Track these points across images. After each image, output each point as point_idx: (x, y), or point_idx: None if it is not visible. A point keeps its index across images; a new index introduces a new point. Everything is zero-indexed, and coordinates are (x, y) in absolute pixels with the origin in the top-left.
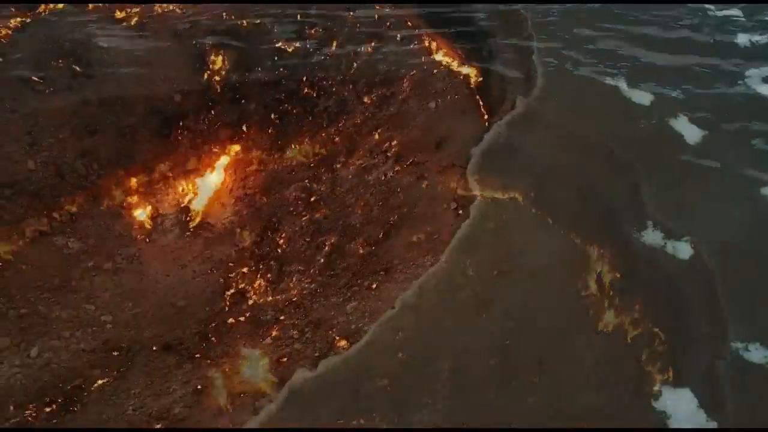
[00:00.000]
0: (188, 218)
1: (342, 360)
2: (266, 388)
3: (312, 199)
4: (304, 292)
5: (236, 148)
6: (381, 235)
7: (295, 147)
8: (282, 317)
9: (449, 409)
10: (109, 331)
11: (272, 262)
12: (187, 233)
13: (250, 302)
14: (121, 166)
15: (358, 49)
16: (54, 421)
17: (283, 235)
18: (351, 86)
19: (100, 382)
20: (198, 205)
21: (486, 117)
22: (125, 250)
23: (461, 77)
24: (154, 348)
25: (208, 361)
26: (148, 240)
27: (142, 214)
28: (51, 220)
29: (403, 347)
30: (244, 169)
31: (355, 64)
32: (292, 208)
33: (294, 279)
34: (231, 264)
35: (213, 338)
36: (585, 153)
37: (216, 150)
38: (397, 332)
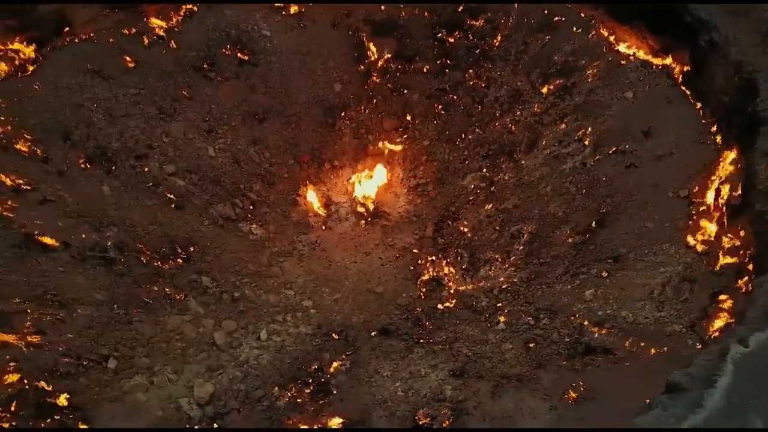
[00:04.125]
0: (362, 207)
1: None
2: (523, 371)
3: (493, 188)
4: (514, 279)
5: (402, 137)
6: (593, 224)
7: (466, 136)
8: (499, 304)
9: None
10: (315, 316)
11: (461, 251)
12: (363, 221)
13: (451, 289)
14: (290, 154)
15: (528, 41)
16: (320, 402)
17: (466, 223)
18: (524, 77)
19: (335, 364)
20: (370, 194)
21: (699, 106)
22: (305, 237)
23: (659, 67)
24: (372, 333)
25: (439, 346)
26: (324, 227)
27: (315, 202)
28: (234, 207)
29: None
30: (412, 159)
31: (526, 56)
32: (471, 198)
33: (494, 267)
34: (415, 251)
35: (428, 323)
36: None
37: (381, 140)
38: None
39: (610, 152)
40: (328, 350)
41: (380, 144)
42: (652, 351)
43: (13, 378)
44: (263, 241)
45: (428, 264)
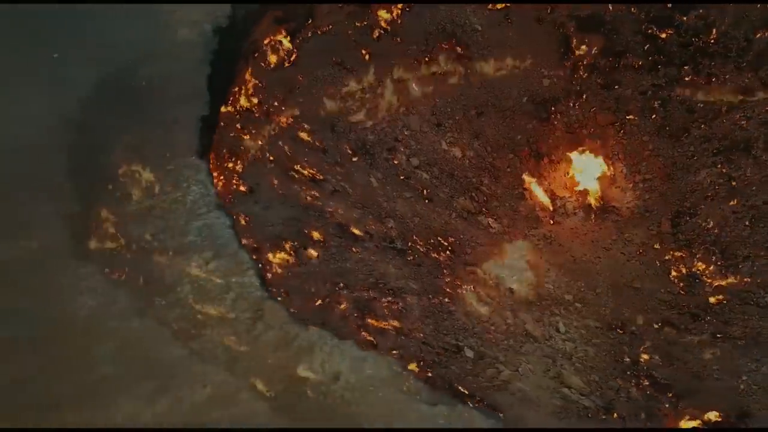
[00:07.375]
0: (589, 201)
1: None
2: None
3: (734, 183)
4: None
5: (619, 133)
6: None
7: (690, 132)
8: None
9: None
10: (583, 310)
11: (710, 247)
12: (593, 216)
13: (712, 285)
14: (509, 149)
15: (750, 37)
16: (669, 395)
17: (708, 219)
18: (751, 73)
19: (645, 356)
20: (594, 188)
21: None
22: (536, 231)
23: None
24: (655, 325)
25: (742, 341)
26: (552, 222)
27: (541, 196)
28: (472, 200)
29: None
30: (634, 155)
31: (750, 53)
32: (709, 194)
33: (757, 263)
34: (656, 247)
35: (710, 318)
36: None
37: (597, 135)
38: None
39: None
40: (623, 343)
41: (596, 139)
42: None
43: (413, 366)
44: (501, 234)
45: (675, 259)
